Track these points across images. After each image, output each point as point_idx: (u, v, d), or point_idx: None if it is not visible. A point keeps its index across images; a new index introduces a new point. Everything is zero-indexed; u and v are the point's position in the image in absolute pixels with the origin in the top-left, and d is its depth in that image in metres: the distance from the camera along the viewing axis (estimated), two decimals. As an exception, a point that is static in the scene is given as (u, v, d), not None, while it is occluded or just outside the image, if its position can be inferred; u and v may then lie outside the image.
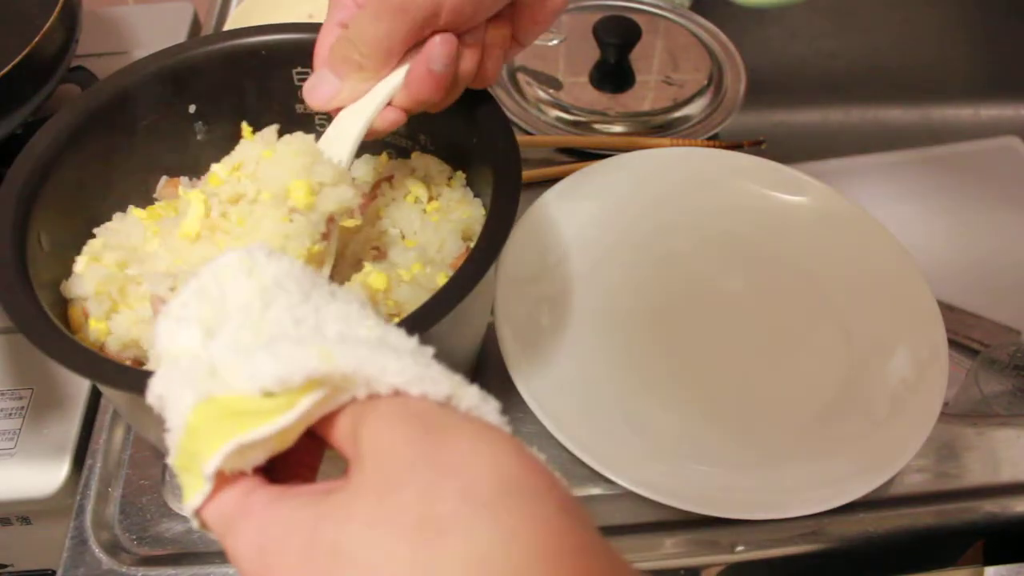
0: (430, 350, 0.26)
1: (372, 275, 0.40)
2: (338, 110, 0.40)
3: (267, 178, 0.38)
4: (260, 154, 0.40)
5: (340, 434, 0.24)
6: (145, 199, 0.47)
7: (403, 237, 0.45)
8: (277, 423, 0.23)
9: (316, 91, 0.39)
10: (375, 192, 0.47)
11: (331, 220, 0.39)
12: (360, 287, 0.40)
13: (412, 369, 0.24)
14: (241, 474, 0.24)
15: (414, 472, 0.22)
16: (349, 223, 0.46)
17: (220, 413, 0.24)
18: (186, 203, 0.41)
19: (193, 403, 0.24)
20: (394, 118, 0.39)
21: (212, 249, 0.39)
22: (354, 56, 0.37)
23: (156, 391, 0.26)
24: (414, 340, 0.26)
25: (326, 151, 0.40)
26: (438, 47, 0.36)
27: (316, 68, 0.40)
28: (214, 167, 0.41)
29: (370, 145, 0.51)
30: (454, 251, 0.44)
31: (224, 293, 0.27)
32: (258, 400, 0.23)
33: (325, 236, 0.39)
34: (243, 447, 0.23)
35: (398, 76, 0.38)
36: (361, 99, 0.39)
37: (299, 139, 0.39)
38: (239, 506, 0.24)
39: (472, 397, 0.24)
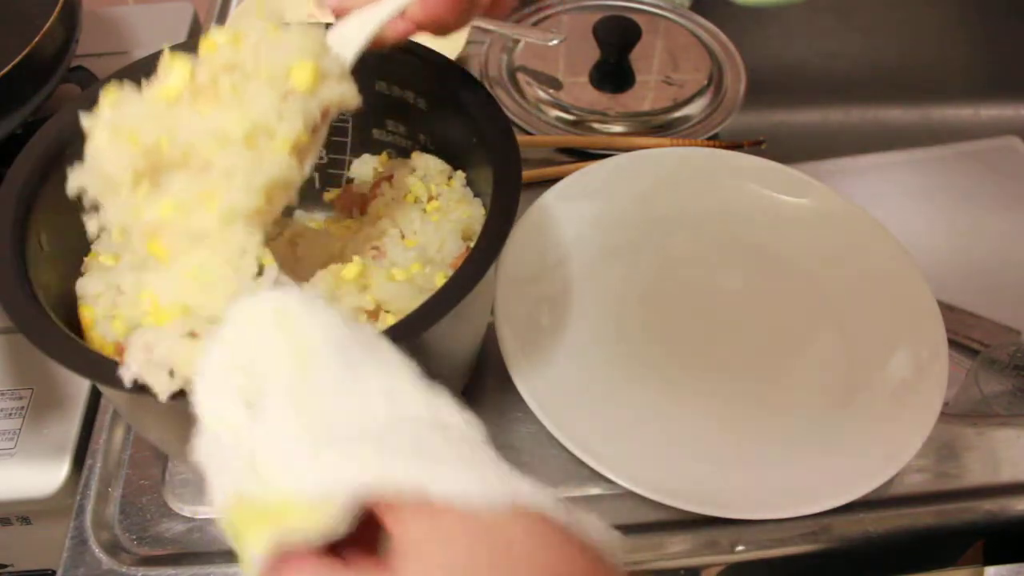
0: (479, 430, 0.25)
1: (346, 267, 0.40)
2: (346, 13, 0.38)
3: (270, 54, 0.36)
4: (266, 29, 0.37)
5: (393, 517, 0.24)
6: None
7: (403, 237, 0.45)
8: (319, 529, 0.23)
9: None
10: (375, 191, 0.47)
11: (325, 114, 0.38)
12: (331, 276, 0.39)
13: (473, 485, 0.23)
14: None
15: None
16: (348, 223, 0.46)
17: (260, 512, 0.23)
18: (168, 65, 0.36)
19: (233, 493, 0.24)
20: (404, 29, 0.38)
21: (193, 116, 0.35)
22: None
23: (199, 459, 0.26)
24: (465, 416, 0.25)
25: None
26: None
27: None
28: (212, 31, 0.38)
29: (370, 145, 0.51)
30: (454, 251, 0.44)
31: (256, 351, 0.26)
32: (301, 503, 0.23)
33: (315, 130, 0.37)
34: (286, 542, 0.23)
35: None
36: (373, 4, 0.38)
37: (310, 26, 0.37)
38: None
39: (527, 494, 0.24)
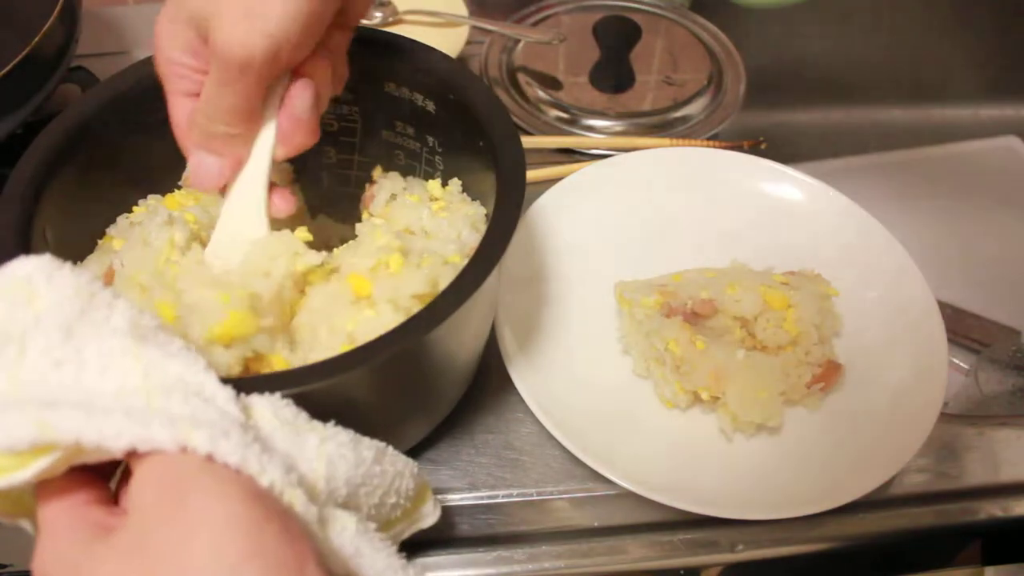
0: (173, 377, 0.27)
1: (355, 280, 0.41)
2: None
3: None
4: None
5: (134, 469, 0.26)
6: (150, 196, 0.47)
7: (426, 234, 0.46)
8: (9, 480, 0.25)
9: (201, 176, 0.38)
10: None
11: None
12: (348, 287, 0.40)
13: (130, 430, 0.25)
14: (75, 481, 0.27)
15: (161, 536, 0.24)
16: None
17: None
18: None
19: None
20: (284, 164, 0.40)
21: None
22: (220, 129, 0.36)
23: None
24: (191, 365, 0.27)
25: (237, 227, 0.39)
26: (297, 98, 0.37)
27: (182, 144, 0.38)
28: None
29: (379, 146, 0.51)
30: (470, 241, 0.44)
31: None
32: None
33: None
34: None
35: (272, 127, 0.38)
36: (249, 163, 0.38)
37: None
38: (51, 523, 0.26)
39: (203, 441, 0.25)
